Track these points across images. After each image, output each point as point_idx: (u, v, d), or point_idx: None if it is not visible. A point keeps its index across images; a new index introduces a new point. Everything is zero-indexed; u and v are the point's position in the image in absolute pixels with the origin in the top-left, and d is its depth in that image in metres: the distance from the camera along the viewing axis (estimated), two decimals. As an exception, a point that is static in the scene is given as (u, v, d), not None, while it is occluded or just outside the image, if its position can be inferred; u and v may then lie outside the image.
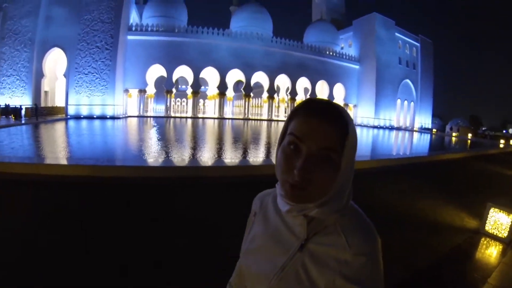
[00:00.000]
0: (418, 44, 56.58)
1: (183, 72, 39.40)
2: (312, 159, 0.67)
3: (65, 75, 33.57)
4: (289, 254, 0.75)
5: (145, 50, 36.04)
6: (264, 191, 0.96)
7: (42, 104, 32.79)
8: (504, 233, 4.46)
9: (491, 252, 4.24)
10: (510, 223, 4.41)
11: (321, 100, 0.72)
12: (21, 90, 31.99)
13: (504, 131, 71.04)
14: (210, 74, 41.37)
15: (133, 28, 35.65)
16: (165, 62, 36.67)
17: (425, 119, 59.01)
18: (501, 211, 4.53)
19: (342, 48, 53.90)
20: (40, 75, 32.85)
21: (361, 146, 21.04)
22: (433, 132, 46.67)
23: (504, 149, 23.60)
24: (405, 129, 49.76)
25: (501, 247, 4.32)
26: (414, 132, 44.84)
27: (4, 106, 27.11)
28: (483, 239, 4.56)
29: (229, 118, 41.59)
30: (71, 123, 26.33)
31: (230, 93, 42.82)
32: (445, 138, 37.33)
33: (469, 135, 39.84)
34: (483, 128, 59.30)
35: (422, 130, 50.59)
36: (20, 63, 32.15)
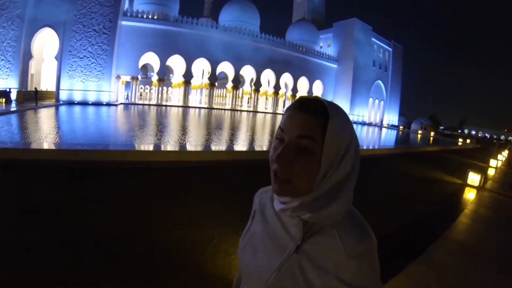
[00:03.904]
0: (390, 49, 61.15)
1: (176, 61, 39.81)
2: (291, 147, 0.70)
3: (56, 58, 32.06)
4: (285, 255, 0.76)
5: (139, 37, 35.84)
6: (263, 188, 0.97)
7: (28, 88, 31.02)
8: (476, 184, 9.03)
9: (470, 193, 8.32)
10: (479, 178, 9.05)
11: (309, 97, 0.74)
12: (6, 71, 29.82)
13: (459, 131, 78.97)
14: (198, 65, 42.07)
15: (128, 14, 35.21)
16: (159, 51, 36.83)
17: (392, 117, 64.14)
18: (474, 172, 9.24)
19: (321, 47, 56.83)
20: (28, 56, 30.87)
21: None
22: (400, 129, 51.47)
23: (463, 146, 30.02)
24: (375, 125, 53.77)
25: (475, 191, 8.57)
26: (384, 128, 49.36)
27: None
28: (466, 188, 8.91)
29: (217, 108, 42.84)
30: (78, 109, 26.46)
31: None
32: (411, 134, 42.25)
33: (432, 133, 46.44)
34: (441, 127, 65.33)
35: (390, 126, 55.23)
36: (6, 42, 29.80)
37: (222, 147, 11.67)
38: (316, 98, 0.74)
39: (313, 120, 0.69)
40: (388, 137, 32.86)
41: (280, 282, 0.75)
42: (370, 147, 17.99)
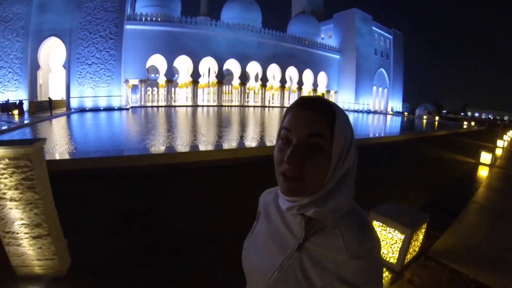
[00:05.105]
0: (391, 37, 61.48)
1: (181, 61, 39.83)
2: (301, 146, 0.70)
3: (64, 66, 31.85)
4: (287, 254, 0.77)
5: (145, 40, 35.64)
6: (267, 190, 0.98)
7: (38, 98, 30.90)
8: (488, 162, 10.38)
9: (483, 171, 9.38)
10: (490, 157, 10.41)
11: (311, 96, 0.76)
12: (15, 83, 29.39)
13: (462, 114, 79.93)
14: (204, 64, 41.98)
15: (132, 18, 35.01)
16: (165, 52, 36.69)
17: (396, 104, 64.57)
18: (486, 152, 10.65)
19: (322, 38, 56.92)
20: (35, 66, 30.52)
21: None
22: (405, 115, 51.91)
23: (469, 128, 30.40)
24: (380, 113, 54.06)
25: (487, 168, 9.70)
26: (390, 115, 49.83)
27: (3, 102, 24.67)
28: (480, 166, 10.14)
29: (226, 106, 43.04)
30: (96, 115, 26.66)
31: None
32: (417, 120, 42.73)
33: (436, 118, 47.11)
34: (444, 111, 66.13)
35: (395, 113, 55.60)
36: (12, 54, 29.46)
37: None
38: (318, 97, 0.76)
39: (321, 118, 0.71)
40: (400, 124, 33.14)
41: (282, 280, 0.76)
42: (394, 134, 19.09)
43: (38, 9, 30.28)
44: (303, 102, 0.74)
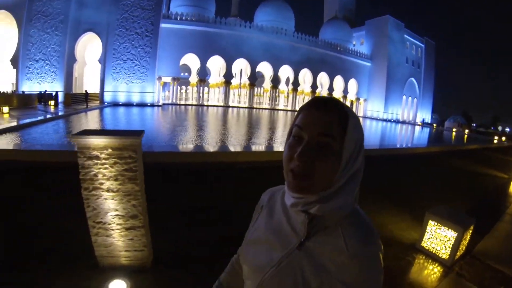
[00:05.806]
0: (422, 45, 60.09)
1: (213, 62, 39.83)
2: (312, 145, 0.71)
3: (99, 61, 32.47)
4: (287, 251, 0.77)
5: (179, 39, 35.69)
6: (276, 186, 0.98)
7: (72, 91, 31.69)
8: None
9: None
10: None
11: (324, 97, 0.76)
12: (51, 75, 30.57)
13: (492, 128, 77.86)
14: (236, 65, 41.87)
15: (167, 16, 35.25)
16: (199, 52, 36.66)
17: (425, 114, 63.09)
18: None
19: (354, 45, 56.23)
20: (72, 59, 31.41)
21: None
22: (434, 127, 50.75)
23: (499, 144, 28.36)
24: (409, 123, 52.92)
25: None
26: (419, 126, 48.79)
27: (40, 93, 25.83)
28: None
29: (257, 108, 42.81)
30: (132, 110, 26.93)
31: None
32: (446, 132, 41.68)
33: (466, 131, 45.90)
34: (474, 125, 64.43)
35: (424, 124, 54.39)
36: (50, 47, 30.59)
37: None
38: (332, 98, 0.76)
39: (334, 119, 0.71)
40: (429, 135, 32.22)
41: (278, 277, 0.76)
42: (424, 146, 19.17)
43: (77, 5, 31.03)
44: (318, 102, 0.76)
